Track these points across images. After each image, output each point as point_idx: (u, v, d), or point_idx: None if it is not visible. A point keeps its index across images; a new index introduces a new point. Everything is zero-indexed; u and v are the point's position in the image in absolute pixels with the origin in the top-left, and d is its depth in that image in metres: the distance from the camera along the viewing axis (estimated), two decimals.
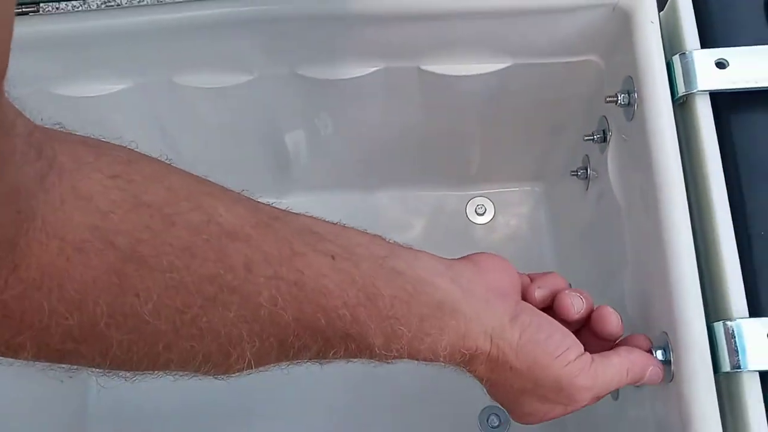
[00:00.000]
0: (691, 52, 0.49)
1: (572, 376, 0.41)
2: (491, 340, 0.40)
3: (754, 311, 0.43)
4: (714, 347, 0.43)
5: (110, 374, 0.32)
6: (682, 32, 0.50)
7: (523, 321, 0.41)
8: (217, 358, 0.32)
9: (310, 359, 0.36)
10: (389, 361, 0.38)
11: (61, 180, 0.27)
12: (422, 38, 0.56)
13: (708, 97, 0.48)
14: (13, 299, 0.26)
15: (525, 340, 0.41)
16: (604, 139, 0.59)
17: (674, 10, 0.51)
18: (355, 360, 0.38)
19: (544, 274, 0.47)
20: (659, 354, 0.45)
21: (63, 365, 0.30)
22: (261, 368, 0.35)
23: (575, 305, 0.44)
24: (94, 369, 0.31)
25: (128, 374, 0.32)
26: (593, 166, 0.64)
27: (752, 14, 0.51)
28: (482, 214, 0.82)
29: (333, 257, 0.35)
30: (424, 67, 0.59)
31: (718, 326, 0.43)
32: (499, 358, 0.41)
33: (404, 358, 0.39)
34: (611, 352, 0.44)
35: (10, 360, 0.28)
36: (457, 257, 0.44)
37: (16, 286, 0.26)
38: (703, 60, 0.48)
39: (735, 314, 0.43)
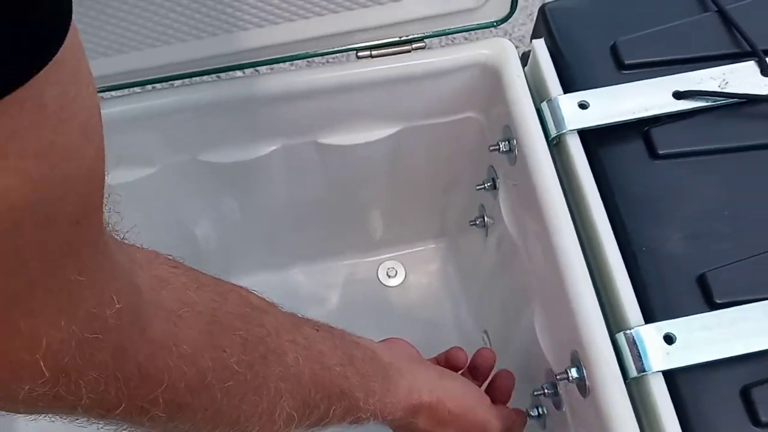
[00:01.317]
0: (556, 98, 0.54)
1: (493, 416, 0.54)
2: (430, 392, 0.50)
3: (648, 317, 0.47)
4: (620, 356, 0.46)
5: None
6: (546, 82, 0.56)
7: (450, 375, 0.52)
8: (268, 415, 0.38)
9: (315, 423, 0.42)
10: (364, 421, 0.46)
11: (143, 269, 0.32)
12: (316, 113, 0.59)
13: (577, 135, 0.53)
14: (146, 359, 0.30)
15: (458, 391, 0.52)
16: (494, 187, 0.64)
17: (536, 64, 0.57)
18: (341, 424, 0.45)
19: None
20: (573, 372, 0.48)
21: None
22: None
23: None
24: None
25: None
26: (489, 214, 0.69)
27: (602, 60, 0.57)
28: (394, 277, 0.85)
29: (317, 330, 0.43)
30: (321, 141, 0.62)
31: (620, 336, 0.47)
32: (438, 407, 0.49)
33: (375, 416, 0.46)
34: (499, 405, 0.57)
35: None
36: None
37: (147, 347, 0.30)
38: (567, 103, 0.54)
39: (632, 323, 0.47)
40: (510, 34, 1.28)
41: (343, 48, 0.56)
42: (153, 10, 0.50)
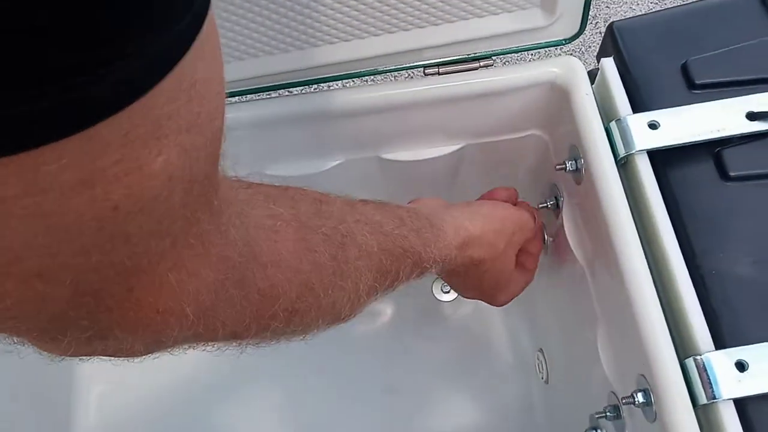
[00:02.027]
0: (625, 117, 0.54)
1: (520, 212, 0.58)
2: (471, 222, 0.53)
3: (719, 344, 0.46)
4: (689, 382, 0.46)
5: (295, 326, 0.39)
6: (614, 101, 0.55)
7: (477, 203, 0.58)
8: (354, 294, 0.41)
9: (389, 286, 0.45)
10: (428, 270, 0.49)
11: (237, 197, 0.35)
12: (381, 129, 0.60)
13: (646, 155, 0.53)
14: (262, 281, 0.33)
15: (491, 210, 0.56)
16: (557, 206, 0.63)
17: (605, 83, 0.57)
18: (409, 280, 0.48)
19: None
20: (640, 396, 0.47)
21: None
22: (368, 303, 0.44)
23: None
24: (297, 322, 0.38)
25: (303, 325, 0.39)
26: (550, 232, 0.68)
27: (672, 80, 0.56)
28: (448, 292, 0.85)
29: (366, 203, 0.46)
30: (383, 156, 0.63)
31: (690, 362, 0.46)
32: (483, 232, 0.53)
33: (436, 263, 0.49)
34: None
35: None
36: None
37: (260, 270, 0.33)
38: (637, 123, 0.53)
39: (702, 349, 0.46)
40: (574, 51, 1.28)
41: (412, 65, 0.56)
42: (228, 27, 0.51)
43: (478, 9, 0.52)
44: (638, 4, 1.43)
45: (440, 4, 0.51)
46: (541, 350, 0.77)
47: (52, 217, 0.22)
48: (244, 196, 0.35)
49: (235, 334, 0.34)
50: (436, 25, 0.53)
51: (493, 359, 0.82)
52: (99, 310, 0.26)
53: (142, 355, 0.32)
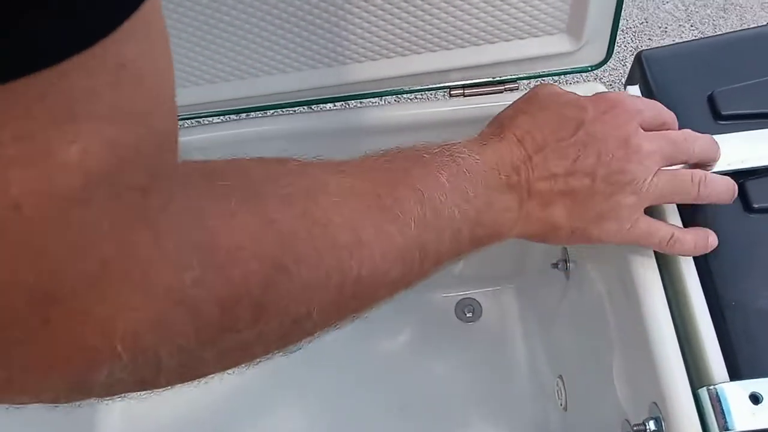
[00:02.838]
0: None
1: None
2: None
3: (734, 375, 0.46)
4: (701, 413, 0.45)
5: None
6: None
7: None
8: (358, 250, 0.34)
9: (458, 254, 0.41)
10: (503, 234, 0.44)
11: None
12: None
13: None
14: (223, 287, 0.28)
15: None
16: None
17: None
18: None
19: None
20: (652, 424, 0.47)
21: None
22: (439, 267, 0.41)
23: None
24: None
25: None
26: (572, 258, 0.68)
27: (698, 109, 0.56)
28: (470, 314, 0.85)
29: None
30: None
31: (703, 392, 0.46)
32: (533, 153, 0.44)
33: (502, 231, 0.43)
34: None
35: None
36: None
37: (225, 286, 0.28)
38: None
39: (717, 379, 0.46)
40: (600, 78, 1.28)
41: (438, 86, 0.57)
42: (259, 42, 0.52)
43: (504, 33, 0.53)
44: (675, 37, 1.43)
45: (467, 27, 0.52)
46: (560, 377, 0.76)
47: None
48: (191, 186, 0.29)
49: (189, 374, 0.28)
50: (463, 47, 0.54)
51: (512, 384, 0.82)
52: (8, 342, 0.22)
53: (65, 402, 0.26)
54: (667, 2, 1.44)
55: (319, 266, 0.31)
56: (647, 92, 0.58)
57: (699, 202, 0.48)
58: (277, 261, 0.30)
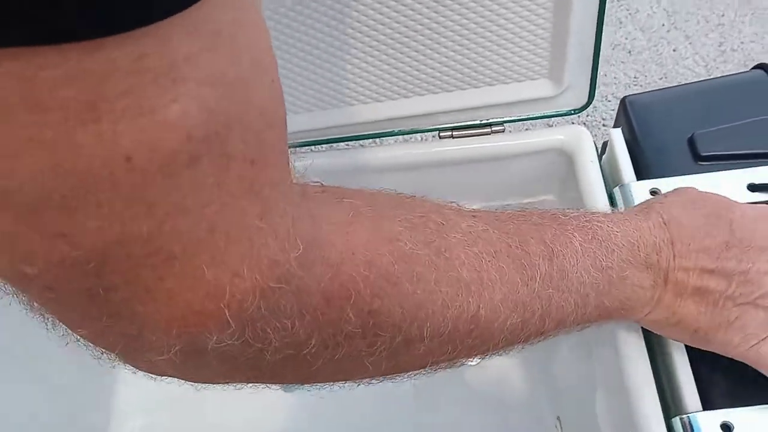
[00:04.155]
0: (629, 183, 0.56)
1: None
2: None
3: (707, 404, 0.47)
4: None
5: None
6: (620, 169, 0.58)
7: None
8: (479, 293, 0.34)
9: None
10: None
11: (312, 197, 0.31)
12: (396, 189, 0.63)
13: None
14: (328, 282, 0.29)
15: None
16: None
17: (612, 152, 0.59)
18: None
19: None
20: None
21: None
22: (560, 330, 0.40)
23: None
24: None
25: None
26: None
27: (679, 151, 0.59)
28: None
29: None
30: None
31: (676, 421, 0.47)
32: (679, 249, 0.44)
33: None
34: None
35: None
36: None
37: (328, 271, 0.29)
38: (639, 189, 0.56)
39: (690, 409, 0.47)
40: (586, 123, 1.31)
41: (427, 128, 0.60)
42: None
43: (488, 78, 0.56)
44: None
45: (453, 72, 0.55)
46: (558, 418, 0.77)
47: (57, 151, 0.19)
48: (314, 198, 0.31)
49: (292, 347, 0.28)
50: (449, 92, 0.57)
51: (512, 425, 0.82)
52: (133, 297, 0.23)
53: (178, 369, 0.28)
54: (687, 58, 1.45)
55: (436, 292, 0.32)
56: (630, 135, 0.60)
57: None
58: (391, 274, 0.30)
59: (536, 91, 0.57)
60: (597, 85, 0.58)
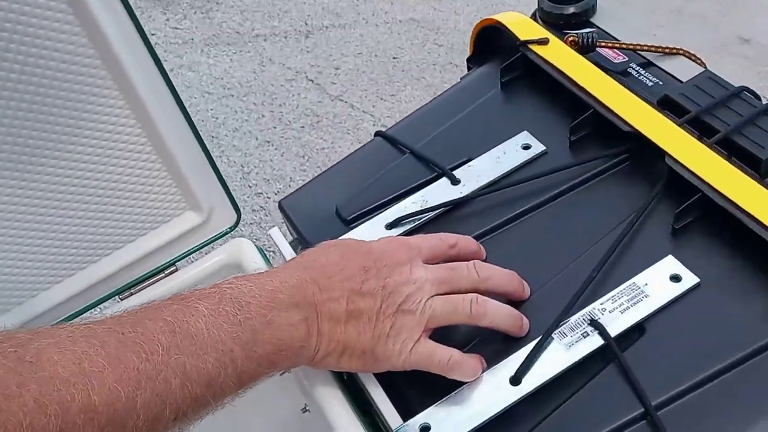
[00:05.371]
0: None
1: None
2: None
3: (407, 415, 0.50)
4: None
5: None
6: (285, 258, 0.63)
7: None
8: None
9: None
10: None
11: None
12: None
13: None
14: None
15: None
16: None
17: (277, 248, 0.65)
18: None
19: None
20: None
21: None
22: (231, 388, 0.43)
23: None
24: None
25: None
26: None
27: (331, 223, 0.65)
28: None
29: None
30: None
31: None
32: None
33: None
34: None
35: None
36: None
37: None
38: None
39: (394, 425, 0.50)
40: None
41: (105, 295, 0.63)
42: None
43: (135, 230, 0.61)
44: None
45: (98, 237, 0.60)
46: None
47: None
48: None
49: None
50: (108, 254, 0.61)
51: None
52: None
53: None
54: None
55: (23, 395, 0.34)
56: (296, 232, 0.67)
57: (479, 323, 0.51)
58: None
59: (185, 223, 0.62)
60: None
